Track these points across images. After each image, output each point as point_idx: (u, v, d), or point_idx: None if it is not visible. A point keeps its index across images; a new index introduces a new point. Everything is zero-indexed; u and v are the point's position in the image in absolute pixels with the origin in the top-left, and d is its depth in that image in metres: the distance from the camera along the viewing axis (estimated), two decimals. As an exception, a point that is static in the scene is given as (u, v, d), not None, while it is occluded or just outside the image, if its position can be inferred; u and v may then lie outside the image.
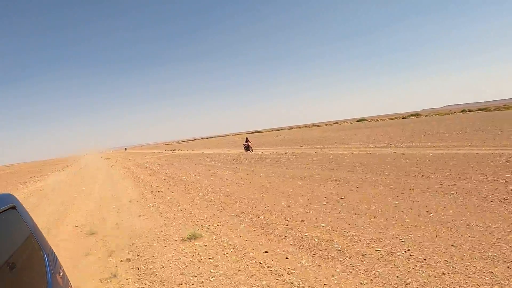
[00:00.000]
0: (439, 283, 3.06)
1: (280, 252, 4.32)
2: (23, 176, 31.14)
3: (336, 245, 4.27)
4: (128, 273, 4.24)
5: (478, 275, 3.11)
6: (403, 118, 60.71)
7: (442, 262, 3.47)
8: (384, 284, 3.17)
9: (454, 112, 60.43)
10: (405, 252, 3.83)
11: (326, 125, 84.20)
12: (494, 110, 50.56)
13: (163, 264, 4.39)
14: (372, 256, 3.83)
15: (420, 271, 3.34)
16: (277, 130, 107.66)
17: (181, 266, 4.23)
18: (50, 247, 1.50)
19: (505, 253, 3.47)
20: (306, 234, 4.84)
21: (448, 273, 3.21)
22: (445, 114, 56.72)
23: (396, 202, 5.88)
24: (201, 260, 4.35)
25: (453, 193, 5.99)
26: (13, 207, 1.39)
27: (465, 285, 2.97)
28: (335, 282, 3.35)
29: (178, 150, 45.11)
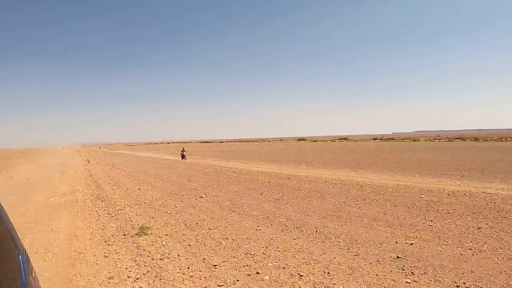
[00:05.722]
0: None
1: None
2: None
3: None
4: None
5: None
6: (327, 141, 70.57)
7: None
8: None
9: (357, 141, 72.24)
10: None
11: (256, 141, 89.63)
12: (400, 141, 57.02)
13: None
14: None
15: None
16: (222, 142, 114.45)
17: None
18: (24, 247, 1.40)
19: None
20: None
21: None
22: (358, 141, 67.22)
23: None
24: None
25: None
26: None
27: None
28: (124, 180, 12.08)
29: (115, 149, 53.08)
